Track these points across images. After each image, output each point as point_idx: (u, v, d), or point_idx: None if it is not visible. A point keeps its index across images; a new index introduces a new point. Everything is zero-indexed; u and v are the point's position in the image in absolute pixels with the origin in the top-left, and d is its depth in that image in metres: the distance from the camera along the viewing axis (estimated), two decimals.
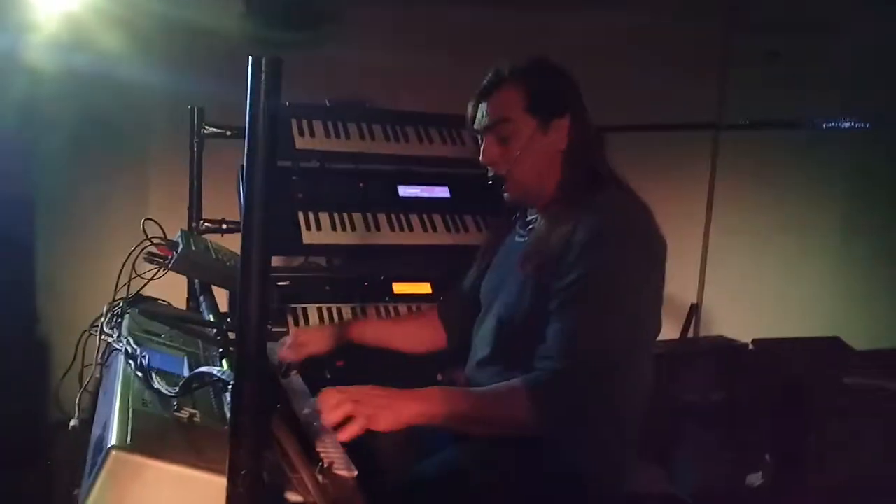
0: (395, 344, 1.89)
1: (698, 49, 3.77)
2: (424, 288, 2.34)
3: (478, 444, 1.49)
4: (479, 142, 1.66)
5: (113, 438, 1.07)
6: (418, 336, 1.91)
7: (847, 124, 1.88)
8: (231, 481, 0.92)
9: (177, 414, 1.21)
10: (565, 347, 1.42)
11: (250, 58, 0.89)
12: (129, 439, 1.07)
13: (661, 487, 2.55)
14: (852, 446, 2.48)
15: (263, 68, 0.89)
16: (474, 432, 1.43)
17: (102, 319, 1.62)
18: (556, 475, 1.48)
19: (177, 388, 1.21)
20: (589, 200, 1.52)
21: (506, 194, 1.65)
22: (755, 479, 2.78)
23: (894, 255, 3.16)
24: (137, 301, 1.80)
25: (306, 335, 1.81)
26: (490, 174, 1.65)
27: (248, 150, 0.90)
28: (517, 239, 1.72)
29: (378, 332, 1.90)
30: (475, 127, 1.65)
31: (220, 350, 1.50)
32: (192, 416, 1.22)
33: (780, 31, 3.44)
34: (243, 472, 0.92)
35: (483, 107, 1.62)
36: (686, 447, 2.79)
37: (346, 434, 1.27)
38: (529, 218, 1.70)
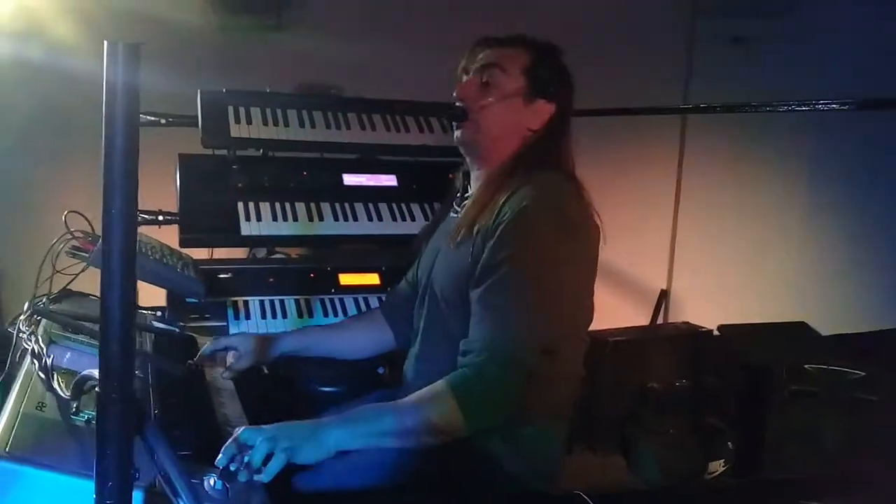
0: (340, 352, 1.84)
1: (665, 33, 3.73)
2: (372, 279, 2.28)
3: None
4: (459, 80, 1.64)
5: None
6: (363, 340, 1.85)
7: (813, 107, 1.85)
8: (98, 493, 0.88)
9: (73, 418, 1.17)
10: (488, 339, 1.38)
11: (105, 43, 0.83)
12: (7, 446, 1.03)
13: (617, 477, 2.52)
14: (810, 434, 2.45)
15: (120, 53, 0.83)
16: (402, 446, 1.37)
17: (21, 317, 1.57)
18: (482, 473, 1.44)
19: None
20: (527, 177, 1.49)
21: (458, 132, 1.61)
22: (717, 466, 2.76)
23: (859, 238, 3.14)
24: (64, 296, 1.75)
25: (243, 345, 1.74)
26: (456, 103, 1.61)
27: (106, 137, 0.85)
28: (451, 215, 1.68)
29: (319, 341, 1.83)
30: (465, 65, 1.64)
31: None
32: (90, 420, 1.17)
33: (746, 15, 3.40)
34: (110, 484, 0.87)
35: (485, 52, 1.61)
36: (649, 435, 2.76)
37: (267, 474, 1.20)
38: (467, 195, 1.65)
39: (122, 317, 0.86)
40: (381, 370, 1.96)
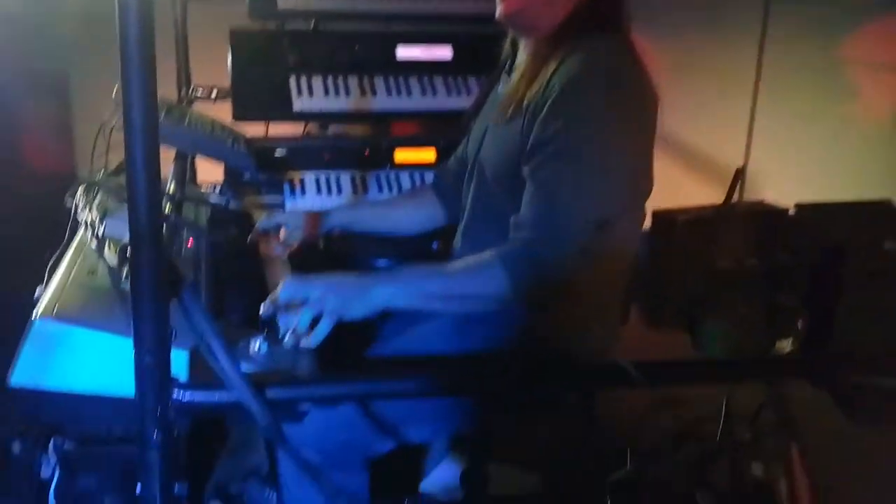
0: (390, 228, 1.82)
1: None
2: (428, 155, 2.25)
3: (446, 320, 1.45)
4: None
5: (41, 308, 1.07)
6: (414, 216, 1.82)
7: None
8: (136, 351, 0.90)
9: (123, 283, 1.20)
10: (540, 215, 1.33)
11: None
12: (55, 309, 1.07)
13: (680, 355, 2.50)
14: (884, 315, 2.36)
15: None
16: (448, 310, 1.38)
17: (79, 188, 1.61)
18: (530, 345, 1.43)
19: None
20: (577, 43, 1.38)
21: (502, 4, 1.47)
22: (785, 345, 2.71)
23: None
24: (122, 170, 1.79)
25: (293, 220, 1.74)
26: None
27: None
28: (500, 90, 1.60)
29: (370, 216, 1.83)
30: None
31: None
32: None
33: None
34: (147, 343, 0.90)
35: None
36: (716, 314, 2.72)
37: (317, 337, 1.23)
38: (516, 65, 1.56)
39: (147, 180, 0.87)
40: (434, 245, 1.95)
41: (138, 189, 0.86)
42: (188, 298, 0.95)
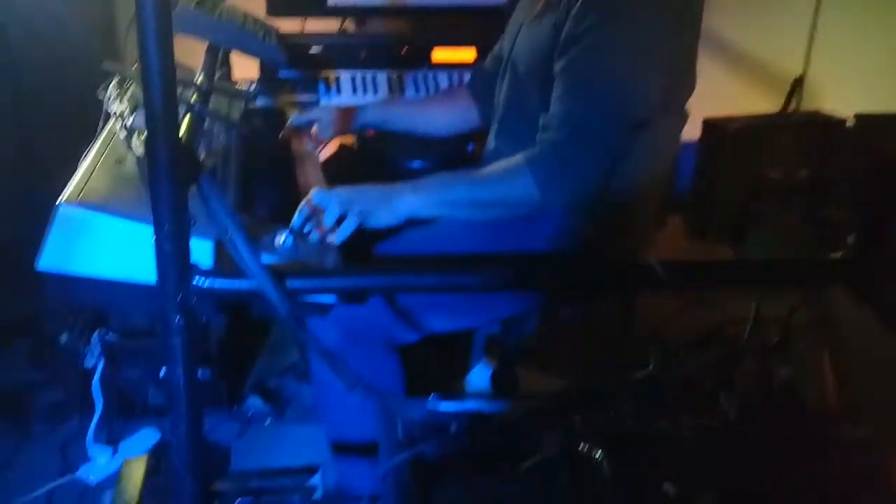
0: (423, 127, 1.77)
1: None
2: (468, 54, 2.17)
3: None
4: None
5: (66, 194, 1.08)
6: (448, 117, 1.77)
7: None
8: (156, 237, 0.90)
9: None
10: (568, 114, 1.28)
11: None
12: (80, 195, 1.07)
13: None
14: None
15: None
16: (475, 217, 1.35)
17: (112, 81, 1.60)
18: (561, 244, 1.41)
19: None
20: None
21: None
22: (834, 257, 2.64)
23: None
24: None
25: (326, 116, 1.72)
26: None
27: None
28: None
29: (403, 114, 1.78)
30: None
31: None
32: None
33: None
34: (166, 228, 0.89)
35: None
36: (763, 226, 2.65)
37: (342, 234, 1.22)
38: None
39: (161, 67, 0.84)
40: (470, 147, 1.91)
41: (152, 71, 0.84)
42: (206, 186, 0.94)
